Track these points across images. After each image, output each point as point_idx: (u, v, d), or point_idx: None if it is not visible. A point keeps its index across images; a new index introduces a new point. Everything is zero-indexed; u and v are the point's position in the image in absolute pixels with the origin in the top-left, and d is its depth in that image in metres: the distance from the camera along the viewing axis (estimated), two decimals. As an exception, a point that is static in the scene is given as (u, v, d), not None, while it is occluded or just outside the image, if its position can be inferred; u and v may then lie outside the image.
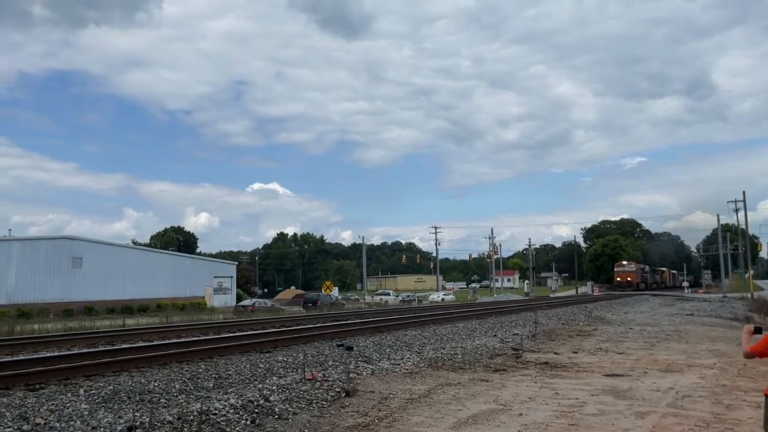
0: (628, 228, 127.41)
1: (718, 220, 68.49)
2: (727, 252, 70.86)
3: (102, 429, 5.40)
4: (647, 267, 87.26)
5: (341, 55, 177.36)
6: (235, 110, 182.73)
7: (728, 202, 63.77)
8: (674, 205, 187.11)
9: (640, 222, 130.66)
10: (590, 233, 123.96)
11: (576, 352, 12.19)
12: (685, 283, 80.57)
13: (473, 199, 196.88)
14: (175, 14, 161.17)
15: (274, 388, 7.45)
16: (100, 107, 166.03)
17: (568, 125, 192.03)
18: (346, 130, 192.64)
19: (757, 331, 4.01)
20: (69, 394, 7.14)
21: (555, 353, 12.05)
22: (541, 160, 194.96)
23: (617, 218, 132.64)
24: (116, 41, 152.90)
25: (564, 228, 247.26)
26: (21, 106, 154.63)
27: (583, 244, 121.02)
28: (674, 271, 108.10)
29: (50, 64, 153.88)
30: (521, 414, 6.55)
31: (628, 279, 75.46)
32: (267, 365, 9.69)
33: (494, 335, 15.15)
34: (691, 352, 12.30)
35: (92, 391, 7.31)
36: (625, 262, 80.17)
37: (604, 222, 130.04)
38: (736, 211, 62.23)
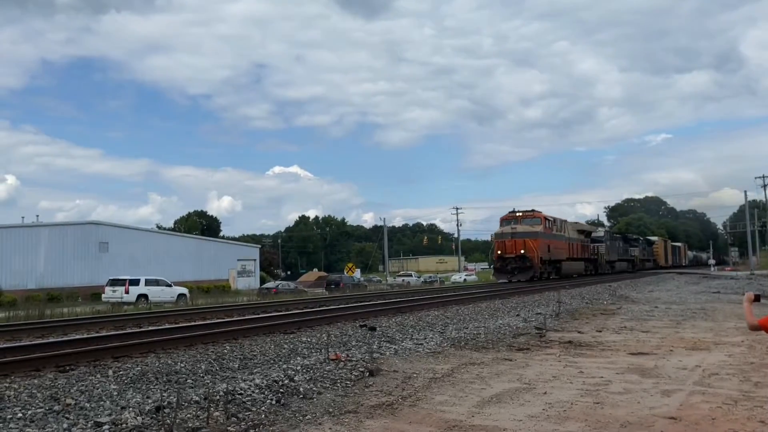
0: (653, 206, 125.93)
1: (746, 196, 67.03)
2: (754, 229, 69.41)
3: (131, 409, 5.50)
4: (598, 231, 48.75)
5: (361, 36, 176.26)
6: (255, 94, 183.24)
7: (756, 177, 62.32)
8: (700, 182, 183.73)
9: (665, 200, 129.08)
10: (614, 212, 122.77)
11: (600, 331, 12.10)
12: (711, 261, 77.40)
13: (495, 179, 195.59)
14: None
15: (299, 368, 7.51)
16: (123, 93, 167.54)
17: (592, 102, 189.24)
18: (366, 111, 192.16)
19: (757, 298, 3.97)
20: (98, 375, 7.28)
21: (579, 332, 11.98)
22: (565, 138, 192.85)
23: (641, 196, 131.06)
24: (136, 27, 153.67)
25: (587, 207, 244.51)
26: (46, 93, 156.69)
27: (606, 223, 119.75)
28: (678, 244, 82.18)
29: (72, 50, 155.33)
30: (545, 393, 6.53)
31: (522, 252, 32.97)
32: (291, 346, 9.77)
33: (517, 315, 15.10)
34: (718, 329, 12.14)
35: (121, 373, 7.45)
36: (519, 213, 34.78)
37: (628, 200, 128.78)
38: (764, 186, 60.97)
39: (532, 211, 34.68)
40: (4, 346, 9.79)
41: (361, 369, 7.57)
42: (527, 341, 10.63)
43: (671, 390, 6.60)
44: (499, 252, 34.31)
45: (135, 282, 32.18)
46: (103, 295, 32.40)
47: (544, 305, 17.73)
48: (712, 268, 68.58)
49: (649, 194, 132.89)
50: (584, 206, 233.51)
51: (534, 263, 32.81)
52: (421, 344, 10.04)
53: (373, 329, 11.80)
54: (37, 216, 55.54)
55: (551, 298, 20.10)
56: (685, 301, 19.94)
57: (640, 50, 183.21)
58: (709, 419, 5.40)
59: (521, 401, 6.19)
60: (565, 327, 12.94)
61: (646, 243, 64.61)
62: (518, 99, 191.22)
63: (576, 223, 44.01)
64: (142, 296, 30.98)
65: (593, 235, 46.60)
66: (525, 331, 12.04)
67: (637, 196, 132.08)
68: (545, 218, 35.01)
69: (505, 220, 35.00)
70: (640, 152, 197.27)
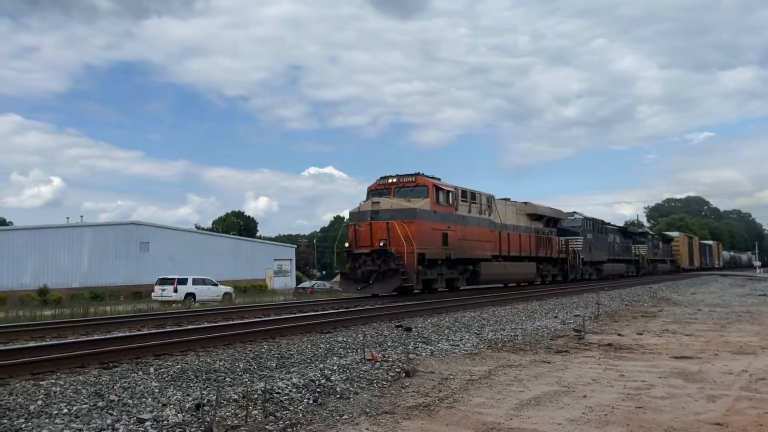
0: (695, 206, 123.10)
1: (793, 195, 64.38)
2: (803, 229, 66.94)
3: (172, 406, 5.60)
4: (572, 218, 33.87)
5: (396, 36, 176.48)
6: (290, 95, 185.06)
7: (804, 176, 59.78)
8: (745, 181, 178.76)
9: (707, 200, 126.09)
10: (654, 212, 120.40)
11: (641, 334, 11.85)
12: (757, 263, 74.71)
13: (531, 179, 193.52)
14: (231, 1, 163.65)
15: (335, 368, 7.54)
16: (162, 96, 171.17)
17: (631, 100, 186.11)
18: (400, 111, 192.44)
19: None
20: (140, 373, 7.43)
21: (619, 335, 11.75)
22: (603, 137, 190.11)
23: (683, 196, 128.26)
24: (176, 30, 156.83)
25: (627, 207, 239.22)
26: (88, 97, 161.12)
27: (646, 224, 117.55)
28: (709, 242, 69.00)
29: (114, 55, 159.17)
30: (585, 396, 6.42)
31: (381, 245, 19.19)
32: (327, 345, 9.82)
33: (555, 316, 14.90)
34: (765, 333, 11.76)
35: (162, 370, 7.58)
36: (392, 179, 21.01)
37: (668, 200, 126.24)
38: (814, 186, 58.60)
39: (415, 175, 20.82)
40: (51, 343, 10.08)
41: (397, 369, 7.56)
42: (566, 343, 10.47)
43: (717, 395, 6.42)
44: (347, 245, 20.38)
45: (183, 281, 33.31)
46: (152, 294, 33.47)
47: (582, 307, 17.46)
48: (758, 270, 66.45)
49: (691, 194, 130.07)
50: (623, 206, 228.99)
51: (405, 264, 18.98)
52: (458, 345, 9.98)
53: (408, 330, 11.76)
54: (81, 216, 57.20)
55: (590, 299, 19.79)
56: (729, 304, 19.39)
57: (680, 46, 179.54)
58: (757, 425, 5.24)
59: (560, 404, 6.09)
60: (605, 329, 12.71)
61: (661, 239, 52.25)
62: (555, 97, 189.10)
63: (526, 203, 28.62)
64: (190, 295, 31.95)
65: (562, 224, 32.33)
66: (563, 333, 11.87)
67: (678, 196, 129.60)
68: (436, 187, 20.68)
69: (372, 192, 21.32)
70: (682, 151, 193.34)
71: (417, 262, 19.29)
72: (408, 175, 20.99)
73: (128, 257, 46.61)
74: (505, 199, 26.73)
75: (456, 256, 21.64)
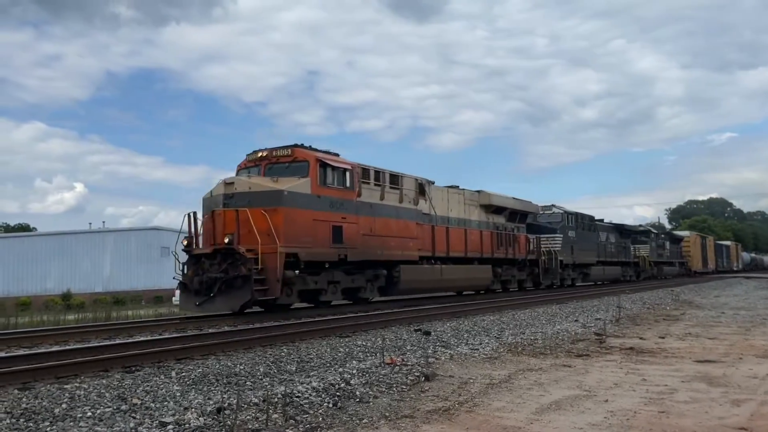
0: (718, 208, 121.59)
1: (819, 196, 62.95)
2: (829, 231, 65.50)
3: (193, 410, 5.65)
4: (549, 213, 29.09)
5: (413, 40, 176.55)
6: (308, 100, 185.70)
7: (830, 176, 58.47)
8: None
9: (730, 201, 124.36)
10: (675, 214, 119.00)
11: (663, 338, 11.71)
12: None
13: (550, 182, 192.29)
14: (249, 8, 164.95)
15: (355, 371, 7.56)
16: (181, 102, 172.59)
17: (651, 101, 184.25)
18: (417, 115, 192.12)
19: None
20: (162, 376, 7.51)
21: (640, 338, 11.62)
22: (622, 139, 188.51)
23: (705, 198, 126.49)
24: (194, 37, 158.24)
25: (647, 209, 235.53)
26: (110, 104, 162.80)
27: (667, 226, 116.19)
28: (726, 243, 62.49)
29: (134, 62, 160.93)
30: (607, 400, 6.36)
31: (226, 243, 13.88)
32: (347, 349, 9.85)
33: (575, 320, 14.78)
34: (792, 337, 11.55)
35: (183, 374, 7.66)
36: (262, 152, 15.74)
37: (690, 202, 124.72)
38: (840, 186, 57.38)
39: (292, 147, 15.88)
40: (75, 347, 10.23)
41: (416, 373, 7.56)
42: (586, 347, 10.39)
43: (741, 399, 6.32)
44: (185, 243, 15.08)
45: None
46: (173, 298, 33.70)
47: (603, 310, 17.31)
48: (783, 272, 65.11)
49: (714, 195, 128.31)
50: (644, 208, 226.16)
51: (267, 268, 14.09)
52: (477, 349, 9.94)
53: (427, 334, 11.76)
54: (104, 222, 58.00)
55: (611, 303, 19.61)
56: (754, 307, 19.07)
57: (702, 46, 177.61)
58: (784, 431, 5.15)
59: (581, 408, 6.04)
60: (626, 333, 12.58)
61: (668, 239, 46.58)
62: (573, 99, 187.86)
63: (479, 192, 23.32)
64: None
65: (536, 219, 27.76)
66: (584, 336, 11.77)
67: (700, 198, 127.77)
68: (322, 163, 15.65)
69: (240, 171, 16.33)
70: (703, 152, 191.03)
71: (283, 266, 14.26)
72: (283, 148, 15.93)
73: (149, 262, 47.08)
74: (451, 187, 21.97)
75: (357, 258, 16.54)
